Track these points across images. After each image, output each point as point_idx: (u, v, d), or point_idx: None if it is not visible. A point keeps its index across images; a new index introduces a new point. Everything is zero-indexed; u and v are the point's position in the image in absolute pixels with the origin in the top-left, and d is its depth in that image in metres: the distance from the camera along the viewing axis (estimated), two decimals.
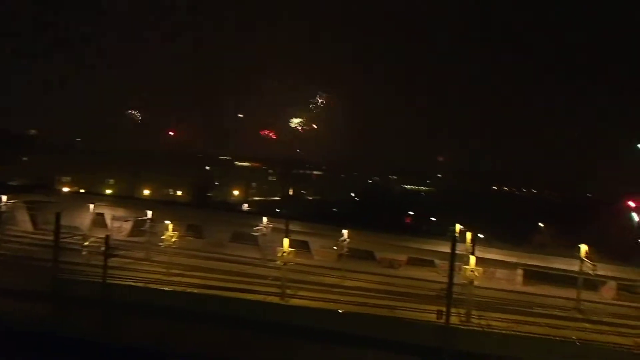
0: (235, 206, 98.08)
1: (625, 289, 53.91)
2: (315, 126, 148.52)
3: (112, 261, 41.09)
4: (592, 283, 54.16)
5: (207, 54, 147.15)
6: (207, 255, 58.54)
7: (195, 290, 44.09)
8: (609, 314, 47.45)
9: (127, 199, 75.18)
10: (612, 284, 54.75)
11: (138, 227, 58.54)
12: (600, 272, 50.08)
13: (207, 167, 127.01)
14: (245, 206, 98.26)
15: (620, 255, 59.84)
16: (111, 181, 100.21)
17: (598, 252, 51.23)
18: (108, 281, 40.27)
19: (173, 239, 49.21)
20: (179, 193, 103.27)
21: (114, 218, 65.93)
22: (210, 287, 45.36)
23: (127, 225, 64.56)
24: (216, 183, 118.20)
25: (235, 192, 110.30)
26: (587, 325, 43.36)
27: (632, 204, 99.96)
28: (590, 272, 48.86)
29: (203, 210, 73.94)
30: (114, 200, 70.75)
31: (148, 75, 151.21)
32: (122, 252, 47.71)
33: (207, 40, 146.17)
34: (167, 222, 51.13)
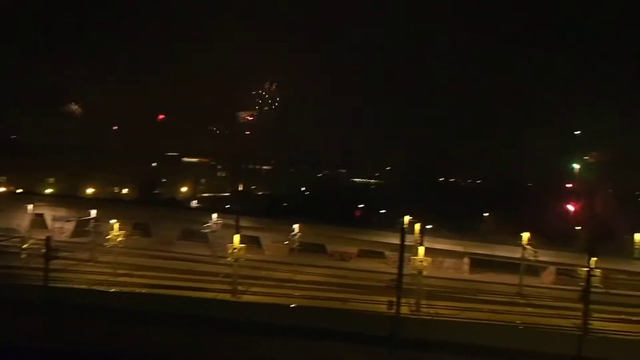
0: (183, 203, 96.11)
1: (564, 273, 56.60)
2: (264, 119, 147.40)
3: (55, 263, 39.40)
4: (534, 268, 56.70)
5: (152, 42, 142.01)
6: (155, 254, 57.22)
7: (144, 291, 43.04)
8: (550, 297, 49.80)
9: (69, 198, 72.29)
10: (552, 269, 57.47)
11: (81, 228, 56.60)
12: (541, 258, 52.46)
13: (154, 164, 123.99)
14: (194, 203, 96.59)
15: (559, 241, 62.91)
16: (51, 180, 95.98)
17: (539, 239, 53.69)
18: (51, 284, 38.64)
19: (119, 239, 47.88)
20: (125, 191, 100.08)
21: (54, 218, 63.33)
22: (160, 286, 44.41)
23: (70, 226, 62.18)
24: (163, 180, 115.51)
25: (184, 189, 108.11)
26: (530, 309, 45.39)
27: (569, 185, 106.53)
28: (532, 258, 51.17)
29: (150, 208, 72.14)
30: (55, 200, 68.00)
31: (90, 66, 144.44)
32: (64, 254, 45.78)
33: (151, 29, 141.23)
34: (112, 221, 49.58)
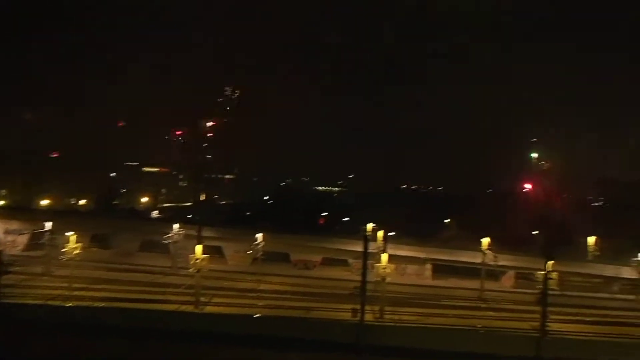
0: (144, 213, 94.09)
1: (523, 276, 58.08)
2: (226, 127, 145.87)
3: (7, 278, 37.91)
4: (494, 273, 57.99)
5: (110, 45, 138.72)
6: (114, 266, 55.73)
7: (103, 304, 41.78)
8: (509, 301, 50.96)
9: (22, 210, 69.77)
10: (511, 273, 58.96)
11: (36, 241, 54.56)
12: (501, 263, 53.75)
13: (113, 174, 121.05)
14: (154, 213, 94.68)
15: (517, 245, 64.61)
16: (2, 191, 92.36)
17: (498, 244, 55.01)
18: (3, 300, 37.14)
19: (76, 251, 46.28)
20: (82, 202, 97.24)
21: (6, 232, 60.94)
22: (119, 299, 43.21)
23: (23, 239, 59.96)
24: (123, 190, 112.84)
25: (144, 199, 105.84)
26: (491, 313, 46.32)
27: (528, 186, 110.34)
28: (492, 263, 52.36)
29: (109, 219, 70.28)
30: (6, 212, 65.48)
31: (44, 68, 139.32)
32: (17, 269, 44.02)
33: (110, 33, 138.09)
34: (69, 233, 48.00)
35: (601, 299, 55.09)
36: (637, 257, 53.65)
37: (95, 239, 63.50)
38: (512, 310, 47.25)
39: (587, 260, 62.60)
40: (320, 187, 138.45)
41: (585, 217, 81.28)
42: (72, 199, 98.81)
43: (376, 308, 42.68)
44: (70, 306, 41.23)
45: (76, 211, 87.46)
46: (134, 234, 63.22)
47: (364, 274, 36.27)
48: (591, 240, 65.35)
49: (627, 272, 56.01)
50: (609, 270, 58.15)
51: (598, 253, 63.80)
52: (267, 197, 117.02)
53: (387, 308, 43.34)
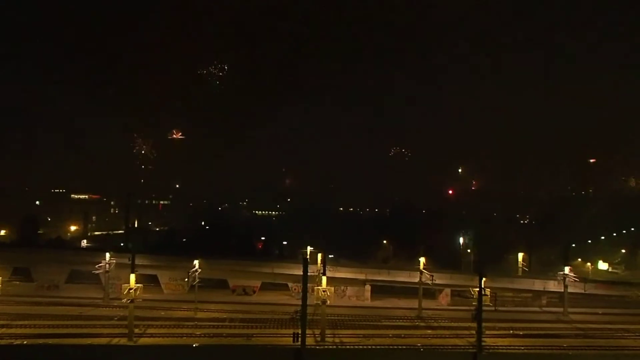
0: (71, 243, 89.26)
1: (458, 294, 59.71)
2: (160, 151, 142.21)
3: None
4: (431, 291, 59.29)
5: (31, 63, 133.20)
6: (38, 300, 52.39)
7: (25, 342, 38.98)
8: (446, 318, 52.14)
9: None
10: (447, 290, 60.45)
11: None
12: (437, 281, 54.99)
13: (37, 202, 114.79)
14: (84, 242, 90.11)
15: (451, 263, 66.50)
16: None
17: (433, 262, 56.42)
18: None
19: None
20: (2, 232, 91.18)
21: None
22: (44, 335, 40.51)
23: None
24: (49, 218, 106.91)
25: (73, 228, 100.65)
26: (429, 331, 47.15)
27: (450, 192, 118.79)
28: (429, 282, 53.54)
29: (31, 250, 65.99)
30: None
31: None
32: None
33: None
34: None
35: (531, 312, 57.54)
36: (562, 270, 56.43)
37: (17, 272, 59.99)
38: (450, 328, 48.34)
39: (517, 275, 65.39)
40: (258, 211, 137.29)
41: (513, 233, 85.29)
42: None
43: (317, 331, 42.48)
44: None
45: None
46: (61, 265, 59.87)
47: (304, 298, 36.01)
48: (519, 256, 68.47)
49: (554, 286, 58.87)
50: (537, 285, 60.87)
51: (526, 269, 66.86)
52: (204, 223, 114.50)
53: (328, 331, 43.23)
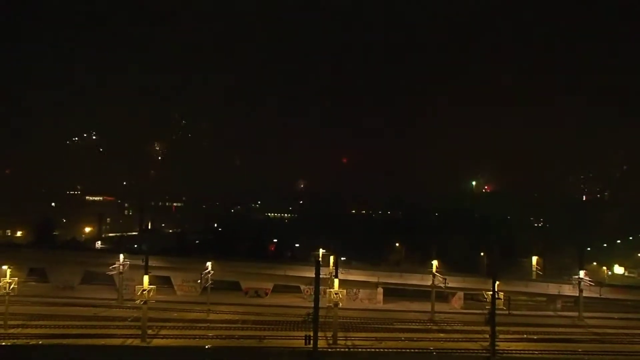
0: (86, 244, 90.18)
1: (471, 297, 59.21)
2: (174, 154, 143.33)
3: None
4: (444, 294, 58.87)
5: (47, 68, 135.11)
6: (53, 300, 52.94)
7: (41, 342, 39.41)
8: (459, 322, 51.73)
9: None
10: (460, 294, 59.95)
11: None
12: (450, 284, 54.58)
13: (53, 204, 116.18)
14: (98, 244, 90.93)
15: (464, 266, 65.87)
16: None
17: (446, 265, 55.97)
18: None
19: (12, 286, 43.65)
20: (19, 234, 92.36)
21: None
22: (59, 336, 40.92)
23: None
24: (64, 220, 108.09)
25: (87, 229, 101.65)
26: (442, 335, 46.80)
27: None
28: (442, 285, 53.17)
29: (47, 251, 66.76)
30: None
31: None
32: None
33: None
34: (3, 267, 45.30)
35: (545, 316, 56.90)
36: (577, 274, 55.72)
37: (32, 273, 60.62)
38: (462, 332, 47.91)
39: (531, 279, 64.59)
40: (270, 214, 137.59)
41: (528, 236, 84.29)
42: (7, 231, 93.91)
43: (329, 334, 42.36)
44: (4, 345, 38.70)
45: (11, 243, 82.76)
46: (75, 266, 60.49)
47: (316, 300, 35.97)
48: (534, 259, 67.62)
49: (569, 290, 58.13)
50: (552, 288, 60.14)
51: (541, 272, 66.01)
52: (217, 225, 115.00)
53: (340, 334, 43.08)
